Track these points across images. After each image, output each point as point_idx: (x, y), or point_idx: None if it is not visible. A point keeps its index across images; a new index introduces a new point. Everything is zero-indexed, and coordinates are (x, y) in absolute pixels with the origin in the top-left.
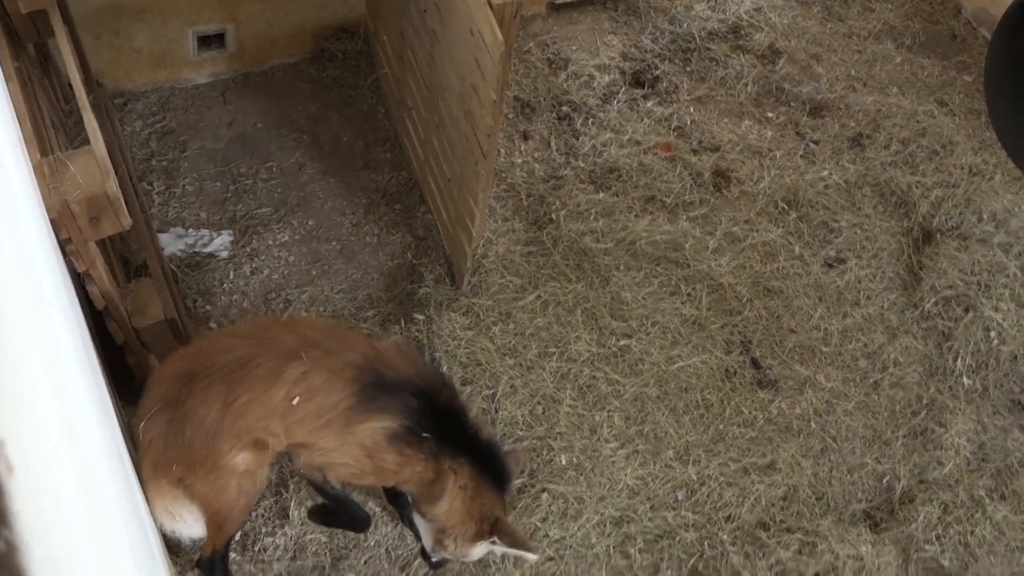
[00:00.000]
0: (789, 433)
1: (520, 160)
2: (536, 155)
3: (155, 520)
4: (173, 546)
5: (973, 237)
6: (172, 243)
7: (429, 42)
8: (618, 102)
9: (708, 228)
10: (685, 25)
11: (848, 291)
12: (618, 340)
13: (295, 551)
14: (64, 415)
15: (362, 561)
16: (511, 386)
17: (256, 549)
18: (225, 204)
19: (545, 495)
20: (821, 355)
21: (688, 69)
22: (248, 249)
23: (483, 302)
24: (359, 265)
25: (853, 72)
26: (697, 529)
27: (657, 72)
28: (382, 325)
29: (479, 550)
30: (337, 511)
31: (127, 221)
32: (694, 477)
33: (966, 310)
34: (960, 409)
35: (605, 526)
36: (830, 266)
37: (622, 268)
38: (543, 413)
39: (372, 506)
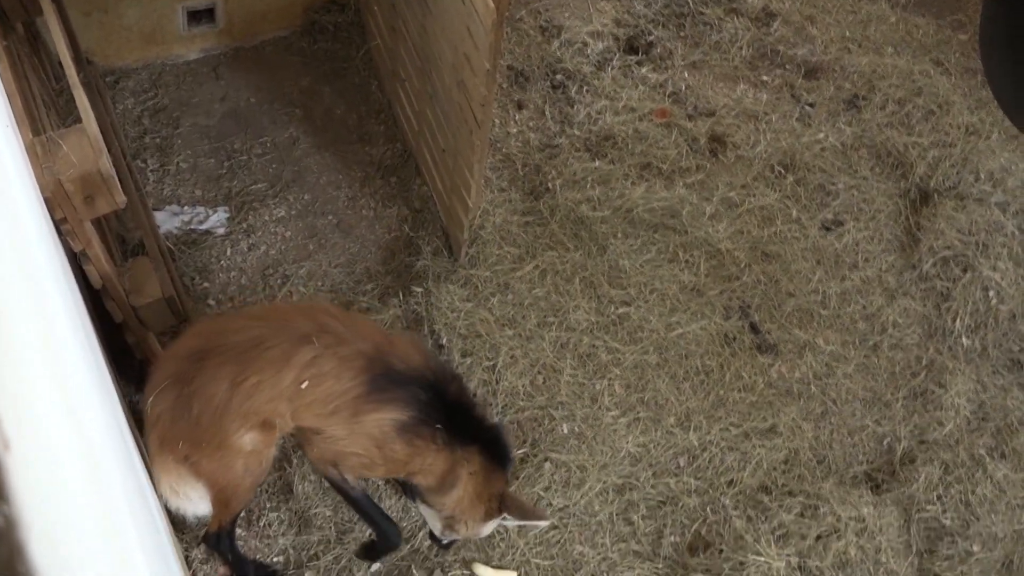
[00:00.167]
0: (789, 397)
1: (515, 130)
2: (531, 124)
3: (160, 497)
4: (178, 522)
5: (971, 197)
6: (168, 221)
7: (421, 12)
8: (612, 69)
9: (705, 194)
10: None
11: (846, 254)
12: (617, 308)
13: (299, 525)
14: (63, 392)
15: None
16: (511, 357)
17: (261, 524)
18: (220, 180)
19: (547, 464)
20: (820, 318)
21: (682, 34)
22: (244, 225)
23: (481, 273)
24: (356, 239)
25: (848, 33)
26: (699, 494)
27: (651, 38)
28: (380, 299)
29: (489, 527)
30: (371, 524)
31: (121, 199)
32: (695, 443)
33: (964, 270)
34: (959, 369)
35: (608, 494)
36: (828, 229)
37: (619, 236)
38: (544, 383)
39: (375, 479)
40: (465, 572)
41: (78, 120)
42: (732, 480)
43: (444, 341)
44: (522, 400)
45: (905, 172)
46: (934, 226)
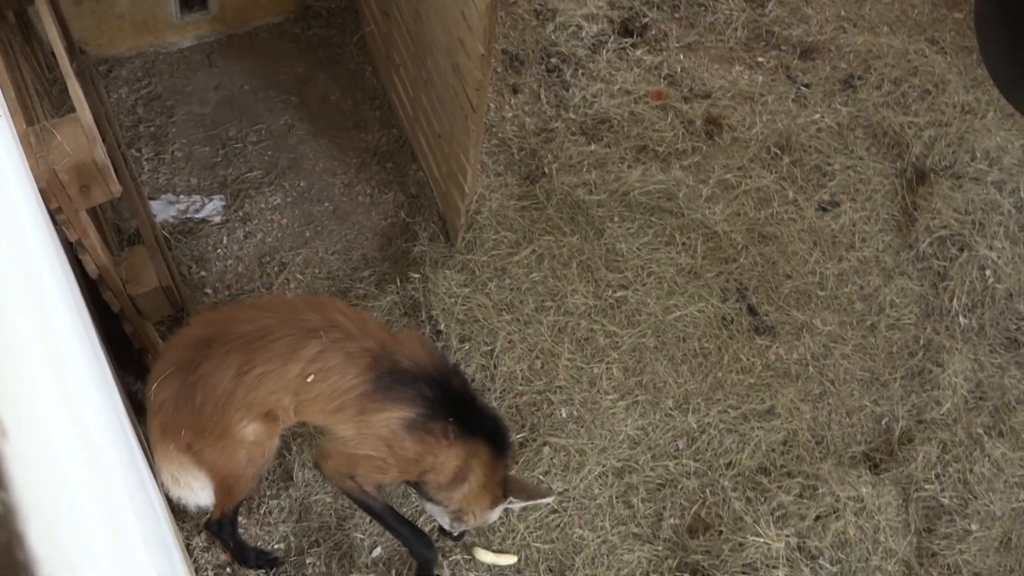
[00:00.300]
0: (787, 378)
1: (510, 114)
2: (526, 108)
3: (161, 485)
4: (179, 511)
5: (967, 176)
6: (164, 210)
7: None
8: (607, 52)
9: (701, 176)
10: None
11: (843, 234)
12: (614, 292)
13: (300, 512)
14: (61, 382)
15: (367, 520)
16: (509, 341)
17: (262, 512)
18: (215, 169)
19: (547, 449)
20: (817, 299)
21: (676, 16)
22: (240, 213)
23: (478, 258)
24: (352, 225)
25: (843, 12)
26: (698, 477)
27: (645, 20)
28: (377, 285)
29: (496, 512)
30: (399, 536)
31: (117, 188)
32: (694, 425)
33: (961, 249)
34: (957, 348)
35: (607, 477)
36: (824, 210)
37: (616, 219)
38: (542, 367)
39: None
40: (466, 557)
41: (72, 110)
42: (731, 462)
43: (442, 327)
44: (520, 385)
45: (901, 152)
46: (930, 206)
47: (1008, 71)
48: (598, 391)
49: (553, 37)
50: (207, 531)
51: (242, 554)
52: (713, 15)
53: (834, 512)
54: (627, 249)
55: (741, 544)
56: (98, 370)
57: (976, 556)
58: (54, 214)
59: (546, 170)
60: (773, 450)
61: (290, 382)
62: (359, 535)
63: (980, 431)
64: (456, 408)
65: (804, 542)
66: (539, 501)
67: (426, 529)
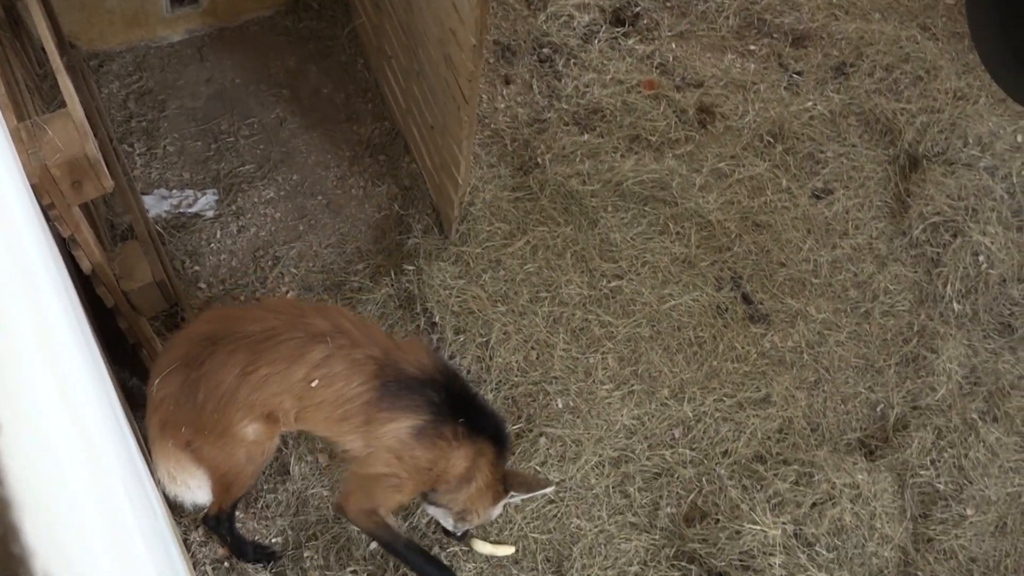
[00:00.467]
0: (782, 366)
1: (503, 105)
2: (519, 99)
3: (158, 482)
4: (177, 506)
5: (959, 162)
6: (157, 205)
7: None
8: (599, 41)
9: (694, 165)
10: None
11: (836, 222)
12: (609, 282)
13: (297, 506)
14: (56, 377)
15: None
16: (504, 333)
17: (259, 506)
18: (208, 163)
19: (543, 439)
20: (811, 287)
21: (668, 4)
22: (233, 207)
23: (472, 250)
24: (346, 218)
25: (834, 0)
26: (695, 465)
27: (637, 9)
28: (372, 278)
29: (499, 509)
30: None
31: (109, 183)
32: (690, 414)
33: (954, 235)
34: (951, 334)
35: (604, 467)
36: (818, 197)
37: (610, 209)
38: (537, 358)
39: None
40: (464, 548)
41: (63, 105)
42: (727, 450)
43: (437, 319)
44: (516, 376)
45: (894, 139)
46: (923, 192)
47: (999, 56)
48: (594, 381)
49: (545, 27)
50: (204, 526)
51: (240, 548)
52: (704, 3)
53: (830, 499)
54: (621, 239)
55: (738, 532)
56: (93, 365)
57: (972, 541)
58: (46, 210)
59: (539, 161)
60: (769, 438)
61: (294, 385)
62: (356, 528)
63: (975, 416)
64: (461, 409)
65: (800, 529)
66: (539, 492)
67: (419, 511)
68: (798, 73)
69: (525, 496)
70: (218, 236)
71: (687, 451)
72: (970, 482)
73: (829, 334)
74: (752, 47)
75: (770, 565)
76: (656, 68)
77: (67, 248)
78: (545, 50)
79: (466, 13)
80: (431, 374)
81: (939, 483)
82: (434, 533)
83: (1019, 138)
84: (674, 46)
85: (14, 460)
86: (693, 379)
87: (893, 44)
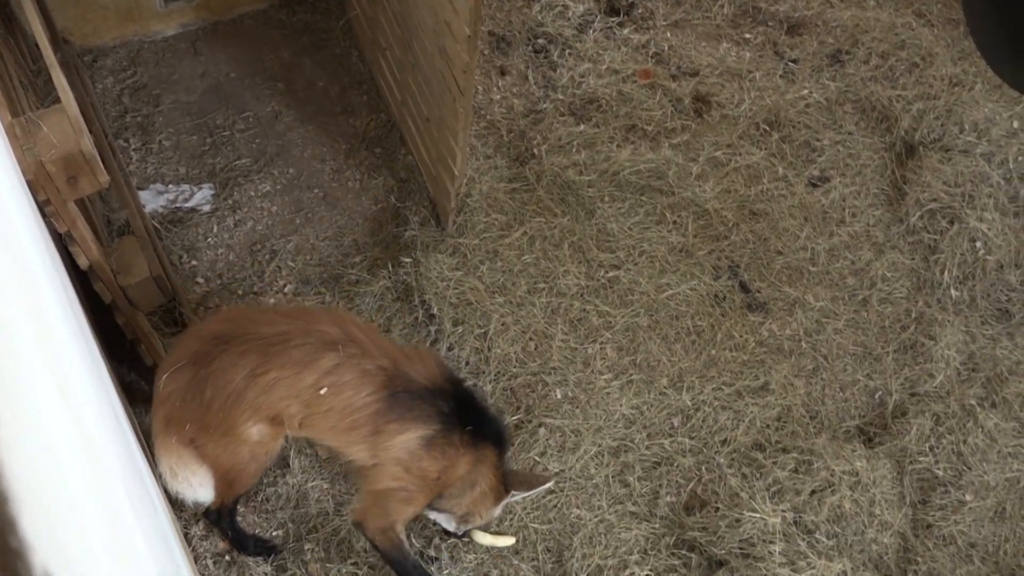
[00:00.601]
0: (780, 354)
1: (498, 96)
2: (514, 90)
3: (159, 477)
4: (177, 502)
5: (956, 148)
6: (153, 200)
7: None
8: (594, 31)
9: (691, 154)
10: None
11: (833, 210)
12: (606, 272)
13: (297, 499)
14: (53, 371)
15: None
16: (502, 324)
17: (259, 499)
18: (203, 157)
19: (542, 430)
20: (809, 275)
21: None
22: (230, 202)
23: (469, 241)
24: (343, 211)
25: None
26: (694, 454)
27: None
28: (369, 270)
29: (500, 508)
30: None
31: (104, 179)
32: (688, 403)
33: (951, 222)
34: (949, 321)
35: (603, 456)
36: (814, 185)
37: (607, 199)
38: (536, 349)
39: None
40: (464, 539)
41: (57, 101)
42: (726, 439)
43: (435, 311)
44: (515, 367)
45: (890, 126)
46: (920, 179)
47: (995, 42)
48: (592, 371)
49: (539, 17)
50: (206, 519)
51: (240, 542)
52: None
53: (829, 486)
54: (618, 229)
55: (738, 520)
56: (91, 360)
57: (971, 526)
58: (42, 206)
59: (535, 151)
60: (768, 426)
61: (302, 391)
62: (355, 507)
63: (973, 402)
64: (467, 416)
65: (800, 517)
66: (540, 489)
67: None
68: (794, 61)
69: (526, 495)
70: (215, 230)
71: (686, 440)
72: (969, 468)
73: (827, 322)
74: (747, 35)
75: (770, 552)
76: (651, 57)
77: (64, 244)
78: (540, 40)
79: (460, 4)
80: (440, 384)
81: (938, 469)
82: (434, 525)
83: (1015, 124)
84: (669, 35)
85: (11, 455)
86: (692, 368)
87: (888, 31)
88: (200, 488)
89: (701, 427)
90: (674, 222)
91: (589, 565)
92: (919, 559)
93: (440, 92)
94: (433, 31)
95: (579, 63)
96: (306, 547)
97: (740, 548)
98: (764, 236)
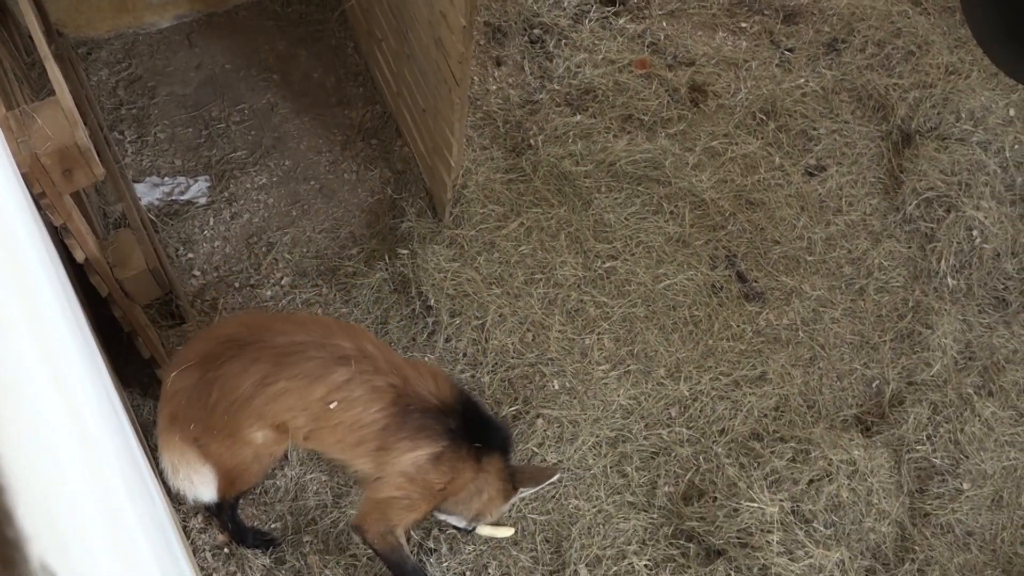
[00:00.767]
0: (778, 344)
1: (495, 87)
2: (510, 80)
3: (161, 473)
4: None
5: (952, 137)
6: (149, 193)
7: None
8: (590, 21)
9: (687, 144)
10: None
11: (830, 199)
12: (603, 262)
13: (296, 491)
14: (50, 364)
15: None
16: (500, 315)
17: (258, 492)
18: (199, 150)
19: (540, 421)
20: (806, 264)
21: None
22: (226, 194)
23: (466, 232)
24: (339, 203)
25: None
26: (692, 444)
27: None
28: (366, 262)
29: (509, 504)
30: None
31: (100, 171)
32: (686, 393)
33: (948, 211)
34: (945, 310)
35: (601, 447)
36: (811, 175)
37: (603, 190)
38: (533, 340)
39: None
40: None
41: (51, 93)
42: (724, 428)
43: (432, 302)
44: (512, 358)
45: (886, 115)
46: (917, 168)
47: (991, 30)
48: (590, 362)
49: (535, 8)
50: (206, 511)
51: (240, 534)
52: None
53: (827, 475)
54: (615, 219)
55: (736, 510)
56: (87, 352)
57: (968, 515)
58: (38, 199)
59: (532, 142)
60: (765, 416)
61: (310, 404)
62: (355, 512)
63: (970, 391)
64: (474, 429)
65: (798, 506)
66: (547, 484)
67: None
68: (790, 50)
69: (534, 490)
70: (211, 223)
71: (684, 430)
72: (966, 456)
73: (824, 311)
74: (743, 24)
75: (768, 542)
76: (647, 47)
77: (60, 237)
78: (536, 31)
79: None
80: (448, 401)
81: (935, 458)
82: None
83: (1011, 112)
84: (665, 25)
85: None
86: (689, 358)
87: (884, 19)
88: (201, 486)
89: (699, 417)
90: (671, 212)
91: (588, 555)
92: (916, 548)
93: (436, 83)
94: (429, 22)
95: (575, 53)
96: (304, 539)
97: (738, 537)
98: (761, 225)
